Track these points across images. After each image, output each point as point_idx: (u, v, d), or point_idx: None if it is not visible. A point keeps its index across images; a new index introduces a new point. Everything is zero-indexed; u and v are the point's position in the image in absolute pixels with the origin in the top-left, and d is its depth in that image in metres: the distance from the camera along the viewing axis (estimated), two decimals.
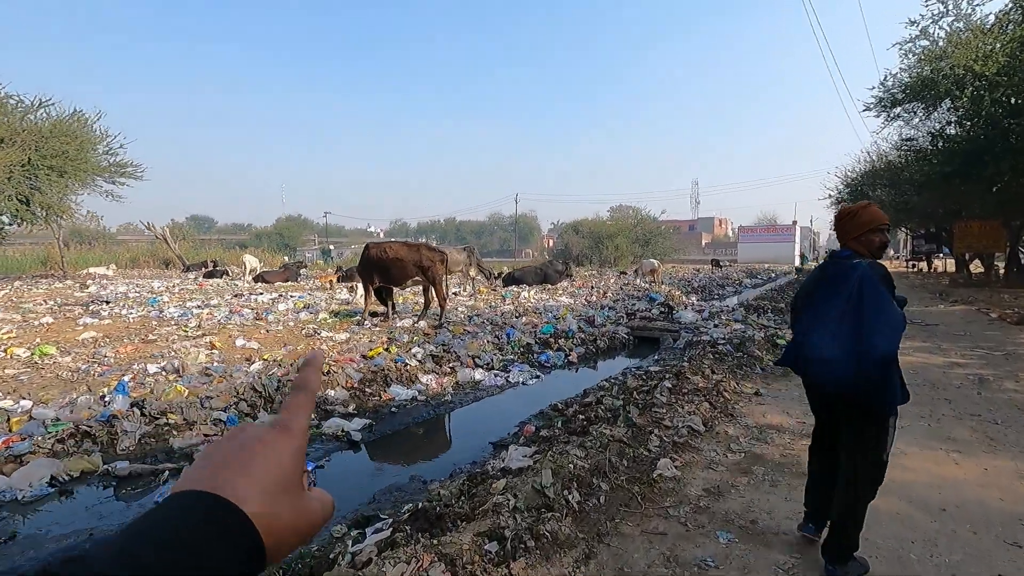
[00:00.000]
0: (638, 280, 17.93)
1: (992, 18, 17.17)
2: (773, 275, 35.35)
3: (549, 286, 17.05)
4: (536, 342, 8.79)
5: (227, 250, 46.05)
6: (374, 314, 9.82)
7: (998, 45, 16.03)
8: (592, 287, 16.47)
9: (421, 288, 9.66)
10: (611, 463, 3.59)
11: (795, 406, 5.25)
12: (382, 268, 8.99)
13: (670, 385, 5.58)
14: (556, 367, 7.96)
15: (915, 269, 36.23)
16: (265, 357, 6.87)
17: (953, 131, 17.91)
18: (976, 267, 28.24)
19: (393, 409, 5.72)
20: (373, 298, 9.52)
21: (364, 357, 6.92)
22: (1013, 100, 15.86)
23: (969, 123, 17.11)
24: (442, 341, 7.89)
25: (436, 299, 9.27)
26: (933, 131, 18.83)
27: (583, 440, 4.08)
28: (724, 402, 5.24)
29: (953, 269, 33.08)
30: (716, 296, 20.67)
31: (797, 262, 48.06)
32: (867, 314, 2.25)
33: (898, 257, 39.08)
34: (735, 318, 10.51)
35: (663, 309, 11.50)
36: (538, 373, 7.29)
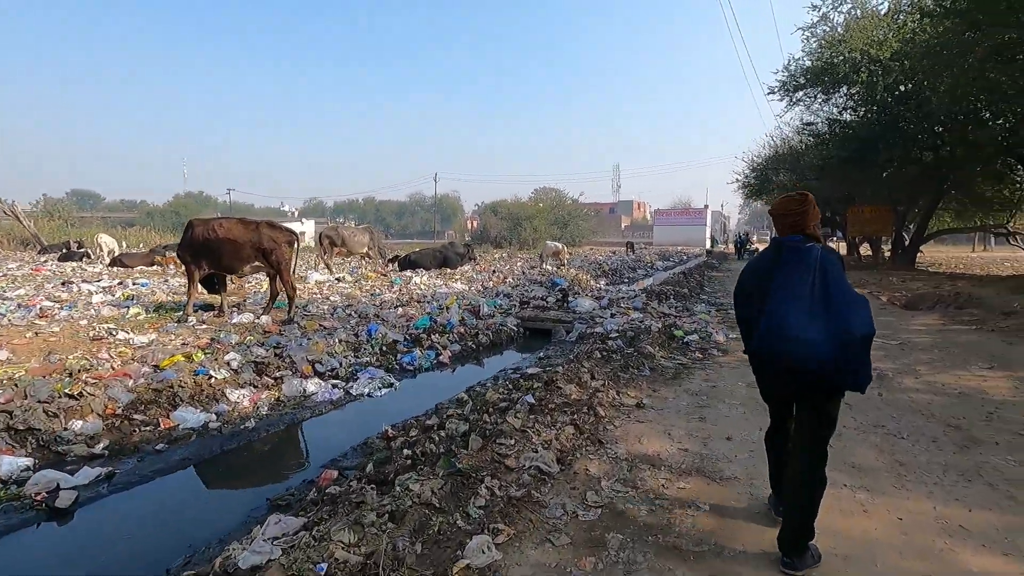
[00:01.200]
0: (544, 264, 17.01)
1: (886, 5, 17.45)
2: (685, 257, 35.99)
3: (448, 270, 15.71)
4: (406, 339, 7.45)
5: (111, 228, 41.15)
6: (208, 308, 8.07)
7: (891, 33, 16.28)
8: (495, 271, 15.31)
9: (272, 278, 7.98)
10: (395, 552, 2.35)
11: (680, 422, 4.29)
12: (210, 250, 7.26)
13: (533, 400, 4.45)
14: (423, 370, 6.67)
15: None
16: None
17: (849, 117, 18.22)
18: (865, 250, 29.92)
19: (161, 446, 4.18)
20: (201, 288, 7.78)
21: (157, 368, 5.29)
22: (903, 87, 16.24)
23: (863, 109, 17.43)
24: (276, 343, 6.36)
25: (284, 288, 7.68)
26: (831, 116, 19.15)
27: (381, 501, 2.83)
28: (596, 421, 4.17)
29: (845, 252, 35.19)
30: (626, 279, 20.22)
31: (708, 245, 49.67)
32: (837, 295, 2.28)
33: (828, 247, 40.94)
34: (635, 305, 9.69)
35: (560, 296, 10.51)
36: (393, 380, 5.97)
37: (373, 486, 3.19)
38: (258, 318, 7.52)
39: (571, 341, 8.10)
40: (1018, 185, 20.26)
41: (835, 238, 38.06)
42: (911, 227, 24.24)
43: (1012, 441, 3.91)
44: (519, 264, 19.03)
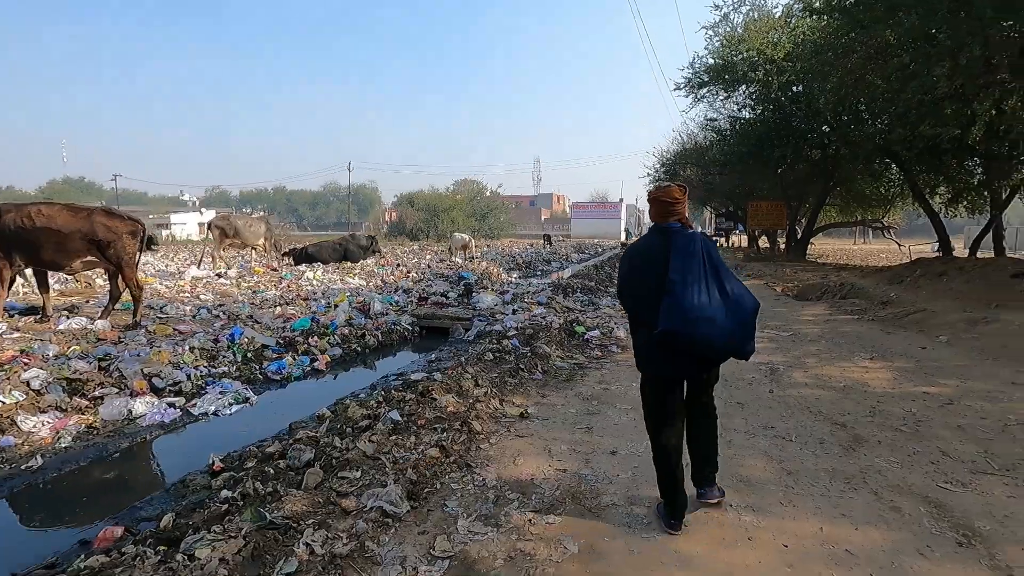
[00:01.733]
0: (454, 257, 16.39)
1: (780, 8, 18.24)
2: (600, 250, 36.61)
3: (349, 264, 14.67)
4: (279, 343, 6.57)
5: None
6: (33, 311, 6.75)
7: (784, 35, 17.03)
8: (399, 265, 14.46)
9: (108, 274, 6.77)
10: None
11: (564, 434, 3.85)
12: (25, 242, 5.98)
13: (400, 416, 3.85)
14: (292, 379, 5.85)
15: (717, 244, 40.31)
16: None
17: (748, 115, 18.95)
18: (763, 243, 31.81)
19: None
20: (26, 287, 6.47)
21: None
22: (795, 88, 17.08)
23: (760, 107, 18.19)
24: (104, 353, 5.30)
25: (128, 287, 6.53)
26: (732, 114, 19.88)
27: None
28: (469, 439, 3.63)
29: (746, 244, 37.33)
30: (539, 272, 20.01)
31: (623, 237, 51.12)
32: (726, 276, 2.48)
33: (704, 233, 43.14)
34: (539, 300, 9.32)
35: (464, 292, 9.94)
36: (250, 394, 5.12)
37: (161, 548, 2.46)
38: (92, 323, 6.32)
39: (469, 340, 7.56)
40: (891, 183, 22.22)
41: (737, 231, 40.35)
42: (803, 221, 25.97)
43: (893, 439, 3.81)
44: (428, 257, 18.25)
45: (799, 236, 22.76)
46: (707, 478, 2.80)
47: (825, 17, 10.24)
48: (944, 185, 17.72)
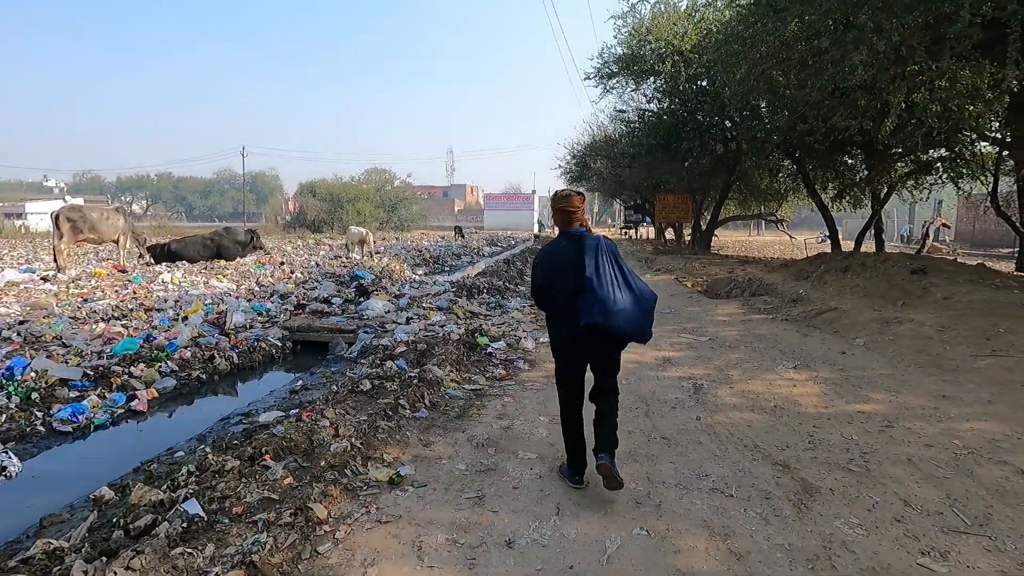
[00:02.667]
0: (351, 253, 14.85)
1: (685, 2, 18.20)
2: (513, 242, 36.04)
3: (224, 262, 12.73)
4: (88, 375, 5.00)
5: None
6: None
7: (691, 26, 16.97)
8: (282, 263, 12.74)
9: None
10: None
11: (446, 512, 2.82)
12: None
13: (200, 509, 2.63)
14: (94, 427, 4.36)
15: (627, 237, 41.03)
16: None
17: (655, 107, 18.84)
18: (670, 235, 32.68)
19: None
20: None
21: None
22: (702, 81, 17.12)
23: (668, 100, 18.12)
24: None
25: None
26: (641, 106, 19.75)
27: None
28: (302, 537, 2.50)
29: (654, 237, 38.34)
30: (447, 268, 18.89)
31: (536, 229, 51.02)
32: (629, 273, 2.87)
33: (613, 226, 43.90)
34: (439, 304, 8.23)
35: (355, 295, 8.61)
36: (7, 460, 3.62)
37: None
38: None
39: (350, 358, 6.34)
40: (785, 179, 23.34)
41: (645, 223, 41.41)
42: (706, 214, 26.78)
43: (844, 485, 3.16)
44: (322, 253, 16.49)
45: (703, 229, 23.29)
46: (604, 447, 2.96)
47: (735, 4, 9.95)
48: (832, 181, 18.73)
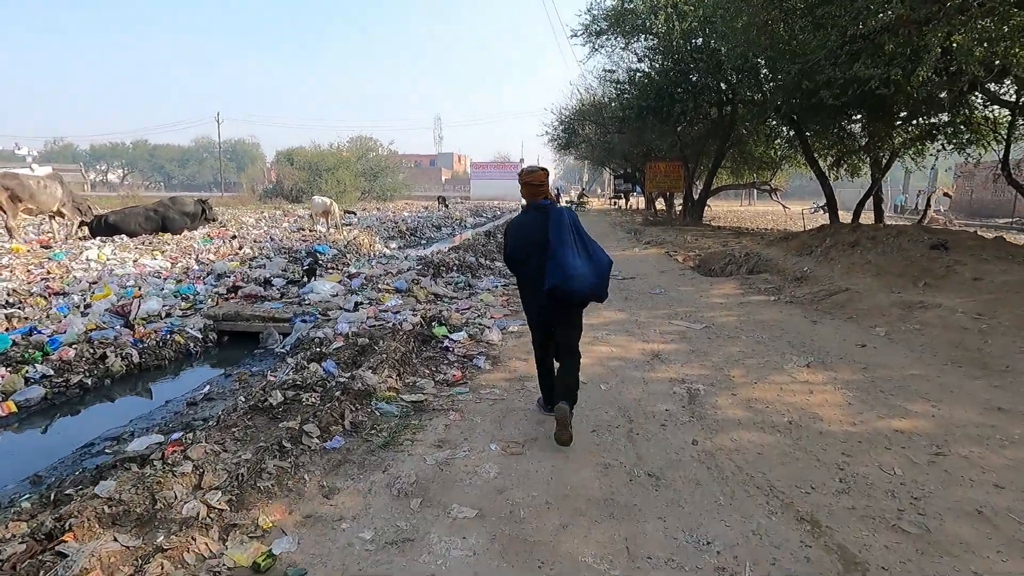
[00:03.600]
0: (316, 225, 13.67)
1: None
2: (499, 212, 34.84)
3: (168, 236, 11.52)
4: None
5: None
6: None
7: None
8: (234, 237, 11.57)
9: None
10: None
11: None
12: None
13: None
14: None
15: (616, 207, 39.89)
16: None
17: (647, 67, 17.54)
18: (660, 205, 31.60)
19: None
20: None
21: None
22: (697, 39, 15.84)
23: (661, 58, 16.83)
24: None
25: None
26: (632, 65, 18.42)
27: None
28: None
29: (644, 207, 37.21)
30: (424, 241, 17.79)
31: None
32: (587, 241, 3.19)
33: (603, 196, 42.70)
34: (398, 286, 7.20)
35: (303, 275, 7.53)
36: None
37: None
38: None
39: (283, 352, 5.34)
40: (781, 145, 22.27)
41: (635, 193, 40.23)
42: (699, 184, 25.70)
43: (900, 559, 2.26)
44: (285, 225, 15.28)
45: (696, 199, 22.26)
46: (568, 394, 3.27)
47: None
48: (831, 148, 17.72)
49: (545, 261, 3.10)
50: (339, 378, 4.04)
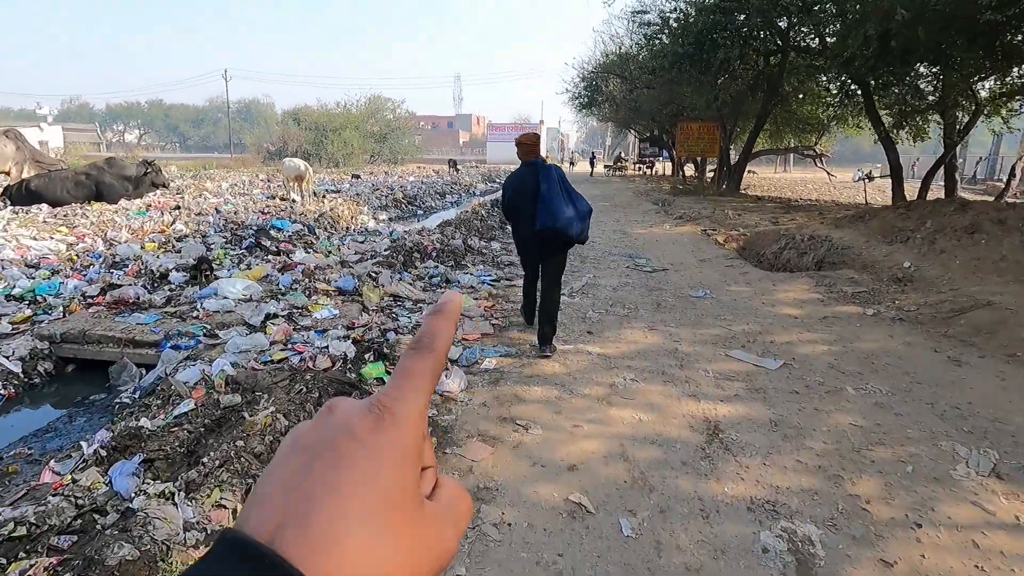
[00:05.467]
0: (291, 193, 11.71)
1: None
2: None
3: (105, 205, 9.67)
4: None
5: None
6: None
7: None
8: (176, 208, 9.65)
9: None
10: None
11: None
12: None
13: None
14: None
15: (641, 173, 37.10)
16: None
17: (684, 5, 14.84)
18: (690, 171, 28.91)
19: None
20: None
21: None
22: None
23: None
24: None
25: None
26: (666, 4, 15.69)
27: None
28: None
29: (671, 172, 34.40)
30: (422, 211, 15.75)
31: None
32: (572, 192, 3.85)
33: (627, 160, 39.76)
34: (343, 285, 5.23)
35: (194, 272, 5.52)
36: None
37: None
38: None
39: (127, 402, 3.46)
40: (832, 104, 19.50)
41: (661, 158, 37.29)
42: (734, 148, 23.02)
43: None
44: (257, 193, 13.33)
45: (733, 164, 19.68)
46: (545, 337, 3.96)
47: None
48: (892, 107, 15.06)
49: (535, 208, 3.75)
50: (131, 504, 2.14)
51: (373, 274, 5.65)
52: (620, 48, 20.57)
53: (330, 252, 7.72)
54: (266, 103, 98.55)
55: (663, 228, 10.76)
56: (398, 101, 46.75)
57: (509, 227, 11.03)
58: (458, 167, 31.36)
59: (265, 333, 4.00)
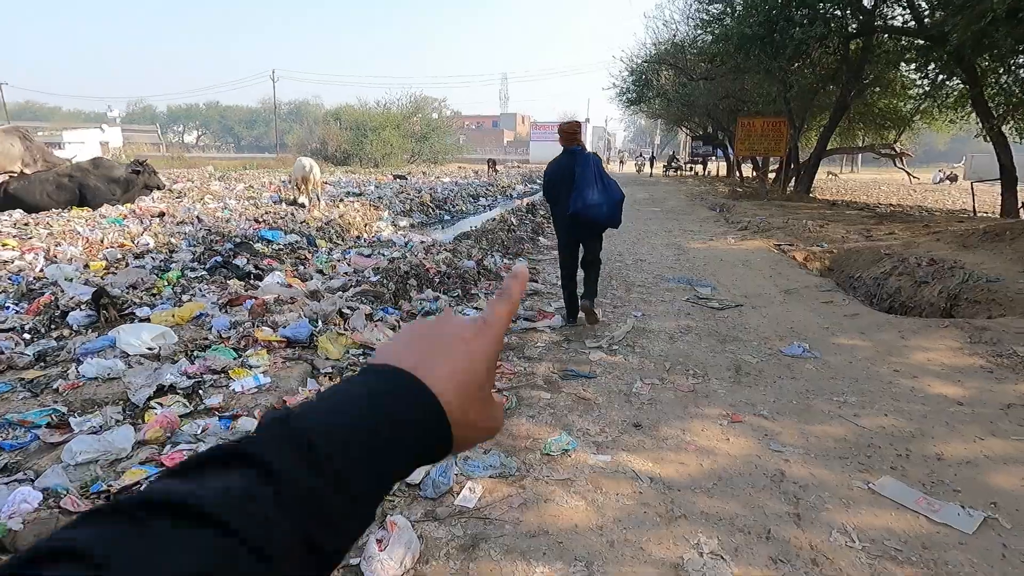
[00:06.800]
0: (299, 197, 10.52)
1: None
2: None
3: (84, 210, 8.71)
4: None
5: None
6: None
7: None
8: (161, 215, 8.55)
9: None
10: None
11: None
12: None
13: None
14: None
15: (692, 173, 34.71)
16: None
17: None
18: (747, 171, 26.53)
19: None
20: None
21: None
22: None
23: None
24: None
25: None
26: None
27: None
28: None
29: (725, 173, 31.93)
30: (453, 216, 14.39)
31: None
32: (606, 179, 4.09)
33: (677, 160, 37.45)
34: (292, 333, 3.81)
35: (99, 307, 4.18)
36: None
37: None
38: None
39: None
40: (913, 98, 17.03)
41: (715, 157, 34.79)
42: (803, 146, 20.69)
43: None
44: (267, 196, 12.24)
45: (805, 164, 17.44)
46: (588, 295, 4.40)
47: None
48: (993, 98, 12.67)
49: (571, 193, 4.03)
50: None
51: (347, 311, 4.25)
52: (674, 36, 18.63)
53: (320, 270, 6.42)
54: (315, 104, 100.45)
55: (726, 242, 8.98)
56: (440, 100, 45.90)
57: (541, 240, 9.56)
58: (497, 167, 29.99)
59: (137, 424, 2.64)
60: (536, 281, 5.96)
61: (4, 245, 6.08)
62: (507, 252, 7.35)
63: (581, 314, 4.42)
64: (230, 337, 3.62)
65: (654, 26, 27.05)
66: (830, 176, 33.96)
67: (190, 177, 18.62)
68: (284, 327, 3.70)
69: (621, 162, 47.89)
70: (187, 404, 2.87)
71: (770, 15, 11.09)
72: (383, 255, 7.64)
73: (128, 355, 3.31)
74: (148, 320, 3.77)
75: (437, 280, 5.37)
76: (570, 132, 4.19)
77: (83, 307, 4.02)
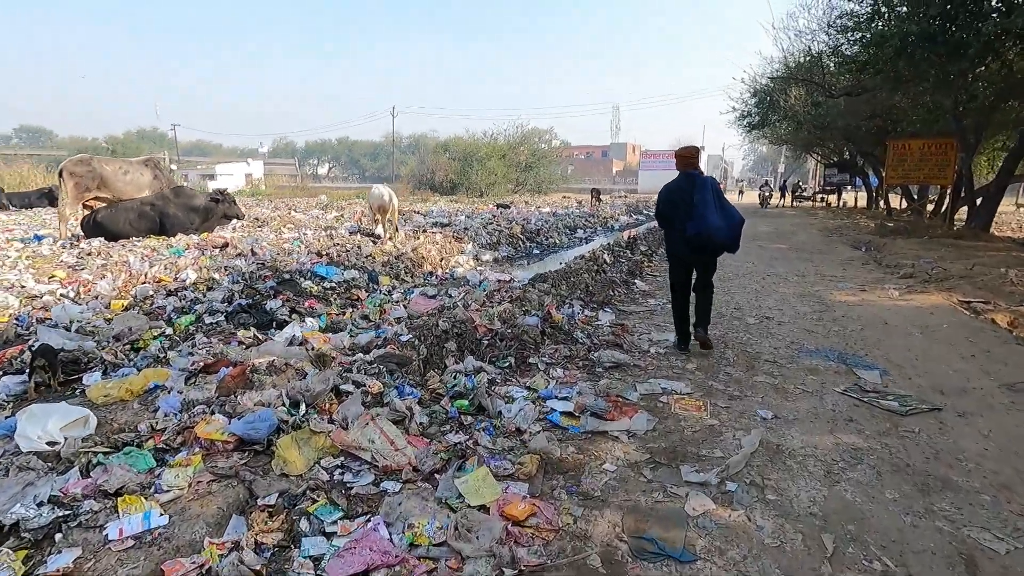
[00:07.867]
0: (376, 228, 9.84)
1: None
2: None
3: (165, 240, 8.60)
4: None
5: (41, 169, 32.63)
6: None
7: None
8: (224, 246, 8.13)
9: None
10: None
11: None
12: None
13: None
14: None
15: (824, 203, 30.71)
16: None
17: None
18: (894, 202, 22.65)
19: None
20: None
21: None
22: None
23: None
24: None
25: None
26: None
27: None
28: None
29: (864, 204, 27.78)
30: (542, 249, 13.19)
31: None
32: (725, 203, 4.10)
33: (806, 191, 33.53)
34: (247, 431, 2.73)
35: (33, 371, 3.36)
36: None
37: None
38: None
39: None
40: None
41: (851, 187, 30.58)
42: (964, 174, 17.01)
43: None
44: (348, 225, 11.78)
45: (984, 194, 14.11)
46: (701, 323, 4.37)
47: None
48: None
49: (689, 215, 4.03)
50: None
51: (349, 387, 3.12)
52: (810, 48, 16.22)
53: (367, 315, 5.46)
54: (432, 137, 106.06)
55: (887, 294, 6.83)
56: (549, 132, 45.61)
57: (636, 284, 8.00)
58: (601, 197, 28.51)
59: None
60: (621, 346, 4.49)
61: (52, 277, 5.90)
62: (590, 300, 5.94)
63: (694, 341, 4.38)
64: (165, 429, 2.62)
65: (785, 37, 24.21)
66: (1020, 208, 28.28)
67: (292, 205, 19.25)
68: (227, 428, 2.61)
69: (740, 192, 44.16)
70: (22, 565, 1.83)
71: (944, 8, 8.80)
72: (451, 296, 6.59)
73: (20, 451, 2.41)
74: (84, 392, 2.92)
75: (486, 342, 4.11)
76: (687, 156, 4.27)
77: (16, 375, 3.28)
